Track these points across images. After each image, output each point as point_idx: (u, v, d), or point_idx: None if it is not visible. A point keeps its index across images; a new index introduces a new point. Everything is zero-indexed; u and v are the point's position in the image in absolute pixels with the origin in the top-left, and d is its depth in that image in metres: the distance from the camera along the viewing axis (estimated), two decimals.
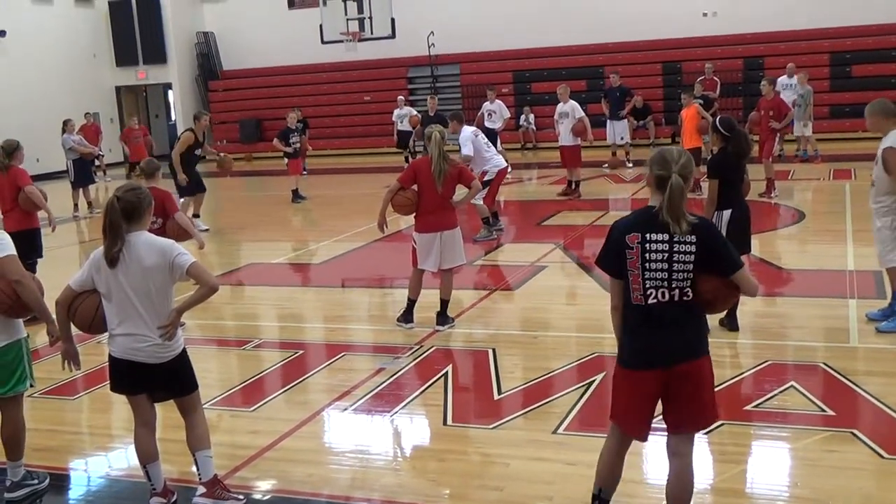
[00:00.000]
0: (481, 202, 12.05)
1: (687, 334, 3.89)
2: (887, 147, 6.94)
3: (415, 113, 20.75)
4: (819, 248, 10.96)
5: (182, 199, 13.79)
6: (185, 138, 14.18)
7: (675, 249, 3.80)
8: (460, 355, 7.38)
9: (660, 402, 3.97)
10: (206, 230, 14.01)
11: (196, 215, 14.27)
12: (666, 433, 4.03)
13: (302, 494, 4.95)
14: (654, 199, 3.89)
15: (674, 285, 3.82)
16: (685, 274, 3.81)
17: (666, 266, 3.80)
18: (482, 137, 12.52)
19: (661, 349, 3.84)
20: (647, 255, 3.81)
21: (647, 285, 3.82)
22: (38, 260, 9.08)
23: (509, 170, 18.36)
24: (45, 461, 5.46)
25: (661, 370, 3.85)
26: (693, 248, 3.80)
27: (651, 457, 5.03)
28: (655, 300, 3.83)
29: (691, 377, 3.87)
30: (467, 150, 11.99)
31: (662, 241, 3.80)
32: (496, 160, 12.42)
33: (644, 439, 4.08)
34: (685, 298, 3.84)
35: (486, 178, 11.95)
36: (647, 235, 3.82)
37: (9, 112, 23.08)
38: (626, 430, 4.06)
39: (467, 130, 12.28)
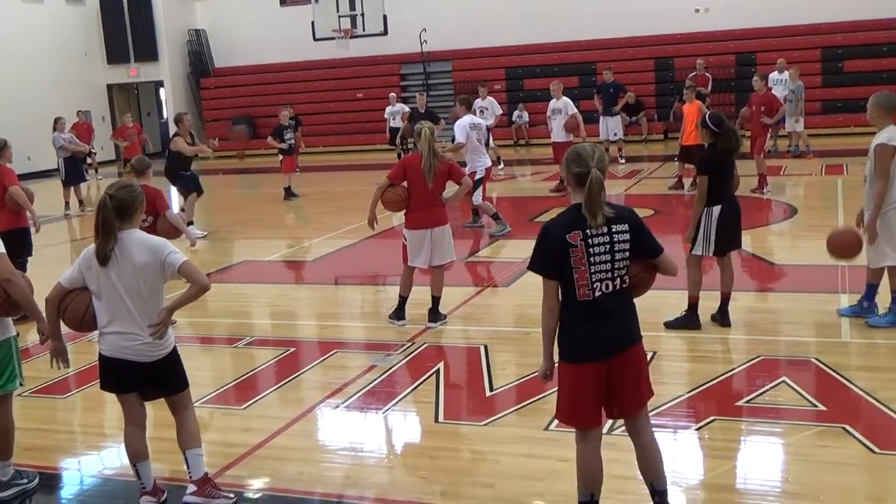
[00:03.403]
0: (481, 200, 12.11)
1: (629, 320, 4.06)
2: (879, 143, 6.92)
3: (407, 110, 20.68)
4: (811, 244, 10.92)
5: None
6: (176, 145, 13.79)
7: (615, 240, 3.93)
8: (452, 352, 7.38)
9: None
10: (204, 235, 13.78)
11: (189, 223, 14.13)
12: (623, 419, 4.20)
13: (294, 492, 4.94)
14: (578, 196, 3.97)
15: (615, 275, 3.96)
16: (624, 262, 3.97)
17: (609, 258, 3.93)
18: (477, 133, 12.50)
19: (609, 339, 3.97)
20: (591, 249, 3.90)
21: (594, 279, 3.92)
22: (28, 258, 9.05)
23: (501, 166, 18.50)
24: (35, 460, 5.43)
25: (608, 360, 3.97)
26: (628, 237, 3.96)
27: None
28: (601, 293, 3.94)
29: (632, 362, 4.04)
30: (461, 136, 12.01)
31: (603, 235, 3.92)
32: (484, 160, 12.42)
33: (600, 423, 4.15)
34: (623, 286, 4.00)
35: (477, 178, 11.97)
36: (588, 231, 3.91)
37: None
38: (581, 425, 4.12)
39: (465, 119, 12.31)
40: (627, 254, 3.96)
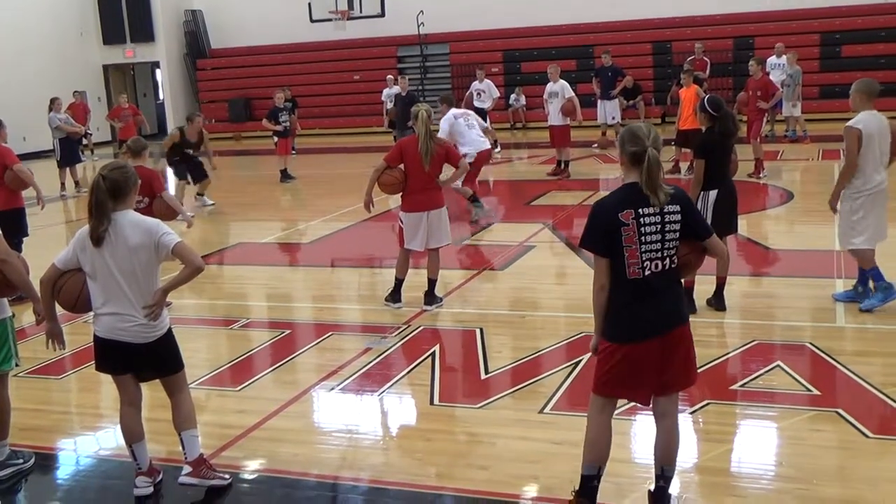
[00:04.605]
0: (460, 184, 12.05)
1: (677, 301, 4.09)
2: (846, 125, 7.06)
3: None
4: (806, 229, 10.98)
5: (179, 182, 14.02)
6: (170, 136, 14.17)
7: (666, 220, 3.93)
8: (448, 335, 7.38)
9: None
10: (213, 204, 14.30)
11: (200, 194, 14.38)
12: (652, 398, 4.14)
13: (289, 474, 4.95)
14: (632, 175, 3.98)
15: (665, 255, 3.96)
16: (674, 243, 3.98)
17: (659, 238, 3.93)
18: (465, 119, 12.46)
19: (661, 318, 3.97)
20: (642, 229, 3.90)
21: (644, 258, 3.92)
22: (24, 239, 9.05)
23: (498, 149, 18.45)
24: (31, 441, 5.45)
25: (661, 337, 3.96)
26: (679, 217, 3.96)
27: (637, 437, 5.06)
28: (650, 272, 3.94)
29: (683, 340, 4.04)
30: (441, 133, 11.96)
31: (655, 214, 3.92)
32: (477, 143, 12.37)
33: (647, 402, 4.16)
34: (672, 266, 4.00)
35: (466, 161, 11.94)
36: (640, 210, 3.91)
37: None
38: (635, 399, 4.17)
39: (447, 114, 12.27)
40: (677, 234, 3.97)
